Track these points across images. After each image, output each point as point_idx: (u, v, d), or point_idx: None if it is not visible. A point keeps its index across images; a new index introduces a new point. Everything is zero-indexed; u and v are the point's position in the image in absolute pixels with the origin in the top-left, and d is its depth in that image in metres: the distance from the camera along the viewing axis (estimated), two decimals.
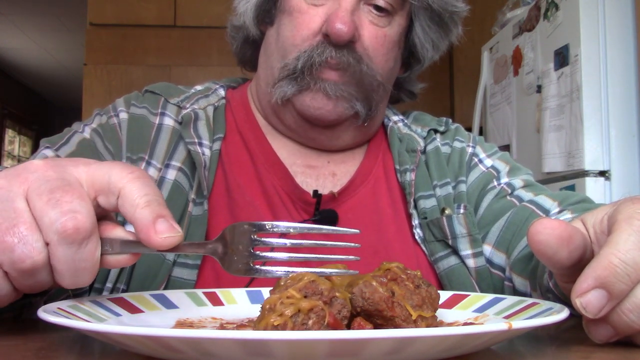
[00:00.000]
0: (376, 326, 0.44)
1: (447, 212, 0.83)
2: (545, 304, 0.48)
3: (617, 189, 2.06)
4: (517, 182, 0.88)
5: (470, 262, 0.82)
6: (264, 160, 0.86)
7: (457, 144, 0.93)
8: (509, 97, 2.66)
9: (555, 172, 2.22)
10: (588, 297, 0.42)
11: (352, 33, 0.79)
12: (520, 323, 0.37)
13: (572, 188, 2.10)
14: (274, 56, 0.85)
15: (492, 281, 0.83)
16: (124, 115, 0.84)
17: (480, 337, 0.37)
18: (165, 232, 0.46)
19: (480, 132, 2.94)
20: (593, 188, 2.05)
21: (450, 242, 0.83)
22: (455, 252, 0.83)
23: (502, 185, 0.88)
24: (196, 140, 0.82)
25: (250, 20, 0.89)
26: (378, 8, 0.82)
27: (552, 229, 0.45)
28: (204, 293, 0.61)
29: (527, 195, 0.85)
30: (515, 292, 0.77)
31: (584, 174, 2.07)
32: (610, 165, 2.07)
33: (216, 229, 0.80)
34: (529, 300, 0.51)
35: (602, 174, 2.07)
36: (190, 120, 0.84)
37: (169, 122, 0.85)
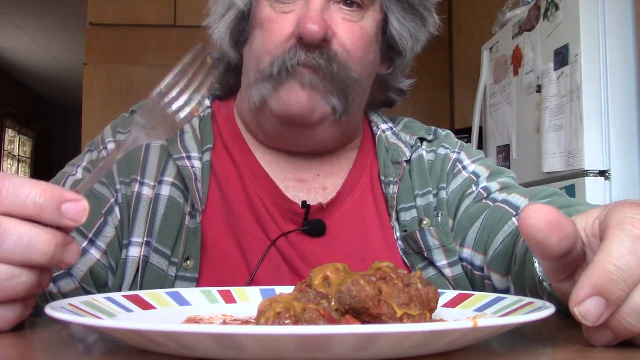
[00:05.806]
0: (364, 324, 0.45)
1: (424, 222, 0.85)
2: (538, 303, 0.49)
3: (617, 189, 2.06)
4: (494, 185, 0.88)
5: (448, 272, 0.84)
6: (249, 173, 0.87)
7: (441, 151, 0.94)
8: (509, 97, 2.66)
9: (555, 172, 2.22)
10: (586, 306, 0.42)
11: (324, 31, 0.78)
12: (487, 322, 0.38)
13: (571, 188, 2.10)
14: (250, 67, 0.86)
15: (474, 286, 0.85)
16: (112, 146, 0.86)
17: (446, 334, 0.38)
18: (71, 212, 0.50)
19: (480, 132, 2.93)
20: (593, 188, 2.05)
21: (426, 254, 0.85)
22: (432, 263, 0.85)
23: (479, 189, 0.89)
24: (184, 155, 0.83)
25: (228, 44, 0.90)
26: (348, 4, 0.82)
27: (544, 214, 0.44)
28: (218, 291, 0.62)
29: (500, 196, 0.86)
30: (495, 290, 0.80)
31: (584, 173, 2.07)
32: (610, 165, 2.07)
33: (214, 241, 0.82)
34: (526, 300, 0.51)
35: (602, 173, 2.07)
36: (176, 135, 0.85)
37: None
